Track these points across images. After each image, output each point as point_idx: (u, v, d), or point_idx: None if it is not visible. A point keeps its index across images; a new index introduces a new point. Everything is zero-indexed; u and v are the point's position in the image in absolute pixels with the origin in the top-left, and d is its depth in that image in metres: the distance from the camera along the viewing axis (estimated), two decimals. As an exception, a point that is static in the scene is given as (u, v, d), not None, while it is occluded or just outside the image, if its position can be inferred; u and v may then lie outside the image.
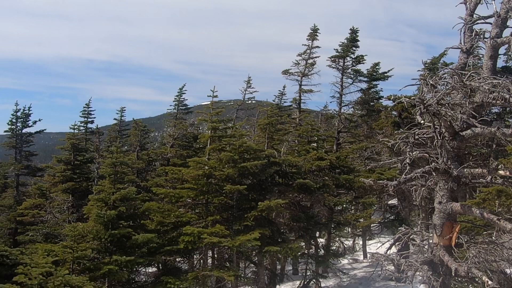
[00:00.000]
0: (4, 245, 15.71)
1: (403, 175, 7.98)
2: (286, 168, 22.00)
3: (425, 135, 8.63)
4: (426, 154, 8.46)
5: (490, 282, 7.25)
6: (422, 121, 8.63)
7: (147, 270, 21.36)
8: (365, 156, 29.95)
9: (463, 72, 8.26)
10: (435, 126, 8.10)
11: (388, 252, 11.31)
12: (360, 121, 33.76)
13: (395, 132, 10.34)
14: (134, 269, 17.85)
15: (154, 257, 17.51)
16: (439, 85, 8.00)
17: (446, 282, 8.62)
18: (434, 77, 8.11)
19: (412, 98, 8.38)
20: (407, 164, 7.86)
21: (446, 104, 7.78)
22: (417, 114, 8.11)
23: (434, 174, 8.30)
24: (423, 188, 9.00)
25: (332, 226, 25.31)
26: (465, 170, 8.44)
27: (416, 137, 8.34)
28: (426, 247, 9.11)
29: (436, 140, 8.09)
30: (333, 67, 30.14)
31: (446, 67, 10.87)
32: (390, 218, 28.58)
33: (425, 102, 7.56)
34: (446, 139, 8.34)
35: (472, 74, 8.01)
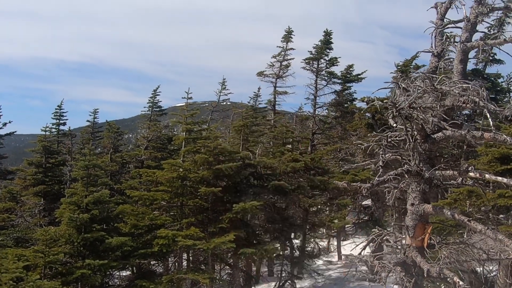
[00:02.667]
0: (-28, 251, 15.31)
1: (376, 177, 8.09)
2: (261, 170, 22.04)
3: (397, 138, 8.76)
4: (398, 157, 8.60)
5: (461, 283, 7.39)
6: (394, 124, 8.76)
7: (121, 274, 21.10)
8: (339, 157, 30.24)
9: (434, 76, 8.42)
10: (407, 129, 8.23)
11: (362, 253, 11.43)
12: (335, 122, 34.04)
13: (369, 134, 10.45)
14: (108, 273, 17.63)
15: (128, 261, 17.32)
16: (411, 88, 8.13)
17: (418, 283, 8.76)
18: (406, 81, 8.25)
19: (384, 101, 8.50)
20: (380, 167, 7.97)
21: (418, 108, 7.91)
22: (390, 117, 8.23)
23: (406, 176, 8.44)
24: (396, 190, 9.14)
25: (307, 227, 25.46)
26: (437, 172, 8.60)
27: (389, 139, 8.47)
28: (399, 248, 9.24)
29: (408, 143, 8.22)
30: (308, 69, 30.40)
31: (417, 71, 11.05)
32: (364, 218, 28.91)
33: (397, 105, 7.68)
34: (418, 141, 8.48)
35: (443, 78, 8.17)
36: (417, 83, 8.11)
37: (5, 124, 28.67)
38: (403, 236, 9.47)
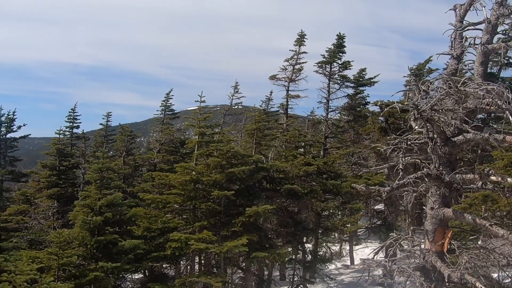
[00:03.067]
0: (-13, 252, 15.39)
1: (395, 181, 7.98)
2: (273, 174, 21.97)
3: (417, 141, 8.64)
4: (417, 160, 8.48)
5: (483, 288, 7.26)
6: (416, 127, 8.64)
7: (133, 277, 21.11)
8: (352, 161, 30.07)
9: (456, 78, 8.30)
10: (428, 132, 8.11)
11: (375, 257, 11.30)
12: (347, 126, 33.83)
13: (388, 137, 10.32)
14: (121, 275, 17.62)
15: (141, 264, 17.31)
16: (432, 90, 8.01)
17: (438, 288, 8.63)
18: (426, 83, 8.14)
19: (405, 104, 8.40)
20: (400, 170, 7.86)
21: (440, 110, 7.80)
22: (411, 119, 8.12)
23: (426, 179, 8.32)
24: (415, 194, 9.01)
25: (320, 231, 25.29)
26: (457, 175, 8.46)
27: (409, 142, 8.36)
28: (417, 252, 9.10)
29: (430, 146, 8.08)
30: (320, 73, 30.22)
31: (437, 73, 10.93)
32: (377, 223, 28.70)
33: (419, 107, 7.57)
34: (438, 144, 8.35)
35: (465, 80, 8.05)
36: (438, 85, 7.99)
37: (19, 127, 28.91)
38: (422, 240, 9.34)
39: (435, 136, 8.22)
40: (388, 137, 8.85)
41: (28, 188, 28.07)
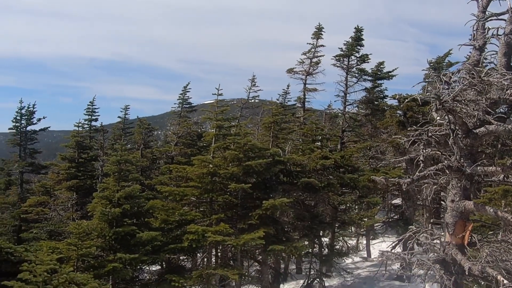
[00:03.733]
0: (8, 242, 15.60)
1: (416, 173, 7.88)
2: (290, 167, 21.91)
3: (438, 133, 8.52)
4: (438, 152, 8.36)
5: (505, 282, 7.15)
6: (437, 117, 8.51)
7: (151, 268, 21.30)
8: (369, 155, 29.84)
9: (479, 68, 8.15)
10: (450, 123, 7.98)
11: (393, 251, 11.22)
12: (365, 120, 33.54)
13: (408, 129, 10.19)
14: (138, 267, 17.78)
15: (158, 255, 17.41)
16: (453, 81, 7.89)
17: (458, 281, 8.52)
18: (448, 74, 8.01)
19: (427, 94, 8.27)
20: (420, 162, 7.76)
21: (462, 101, 7.67)
22: (432, 110, 7.99)
23: (447, 172, 8.21)
24: (435, 187, 8.90)
25: (336, 225, 25.19)
26: (478, 168, 8.33)
27: (430, 134, 8.24)
28: (437, 246, 9.00)
29: (451, 137, 7.96)
30: (338, 66, 30.01)
31: (457, 66, 10.76)
32: (395, 217, 28.50)
33: (441, 98, 7.45)
34: (459, 136, 8.23)
35: (488, 70, 7.90)
36: (461, 75, 7.85)
37: (39, 120, 29.29)
38: (441, 234, 9.23)
39: (456, 127, 8.09)
40: (408, 129, 8.71)
41: (48, 180, 28.47)
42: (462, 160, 8.29)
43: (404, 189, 9.11)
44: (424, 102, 24.64)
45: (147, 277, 19.99)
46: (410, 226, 9.78)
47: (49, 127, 29.98)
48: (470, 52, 9.69)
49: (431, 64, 32.25)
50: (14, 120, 28.79)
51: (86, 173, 27.32)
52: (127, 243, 16.44)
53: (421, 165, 7.85)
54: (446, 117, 8.05)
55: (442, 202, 27.99)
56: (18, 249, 14.40)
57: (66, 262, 14.63)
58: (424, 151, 8.01)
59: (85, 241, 15.26)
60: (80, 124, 29.83)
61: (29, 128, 29.10)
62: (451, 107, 7.57)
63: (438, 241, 9.16)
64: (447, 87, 7.80)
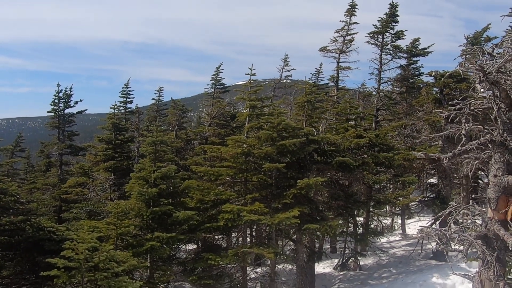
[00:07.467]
0: (50, 222, 16.09)
1: (458, 147, 7.70)
2: (324, 146, 21.73)
3: (480, 106, 8.29)
4: (480, 126, 8.14)
5: (551, 257, 6.97)
6: (481, 90, 8.26)
7: (187, 247, 21.65)
8: (404, 134, 29.39)
9: (525, 38, 7.85)
10: (495, 95, 7.75)
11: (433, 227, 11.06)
12: (399, 98, 33.00)
13: (448, 103, 9.92)
14: (175, 245, 18.07)
15: (195, 234, 17.64)
16: (496, 54, 7.62)
17: (501, 257, 8.35)
18: (491, 46, 7.74)
19: (471, 67, 8.02)
20: (462, 136, 7.57)
21: (507, 72, 7.42)
22: (476, 82, 7.75)
23: (489, 146, 8.00)
24: (476, 162, 8.69)
25: (371, 204, 25.00)
26: (522, 142, 8.09)
27: (471, 108, 8.03)
28: (478, 222, 8.82)
29: (495, 110, 7.73)
30: (372, 43, 29.49)
31: (495, 39, 10.39)
32: (430, 196, 28.09)
33: (485, 69, 7.22)
34: (502, 110, 7.99)
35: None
36: (506, 45, 7.58)
37: (76, 103, 29.80)
38: (483, 209, 9.03)
39: (500, 100, 7.85)
40: (449, 103, 8.48)
41: (86, 161, 29.07)
42: (505, 134, 8.05)
43: (445, 165, 8.91)
44: (461, 78, 24.06)
45: (184, 255, 20.34)
46: (450, 202, 9.61)
47: (85, 109, 30.45)
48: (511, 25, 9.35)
49: (469, 40, 31.33)
50: (52, 103, 29.37)
51: (123, 154, 27.76)
52: (164, 223, 16.70)
53: (463, 139, 7.66)
54: (490, 90, 7.81)
55: (479, 181, 27.42)
56: (60, 228, 14.88)
57: (105, 240, 14.98)
58: (466, 125, 7.80)
59: (123, 220, 15.57)
60: (115, 107, 30.25)
61: (66, 111, 29.64)
62: (495, 78, 7.34)
63: (479, 217, 8.97)
64: (490, 58, 7.54)
